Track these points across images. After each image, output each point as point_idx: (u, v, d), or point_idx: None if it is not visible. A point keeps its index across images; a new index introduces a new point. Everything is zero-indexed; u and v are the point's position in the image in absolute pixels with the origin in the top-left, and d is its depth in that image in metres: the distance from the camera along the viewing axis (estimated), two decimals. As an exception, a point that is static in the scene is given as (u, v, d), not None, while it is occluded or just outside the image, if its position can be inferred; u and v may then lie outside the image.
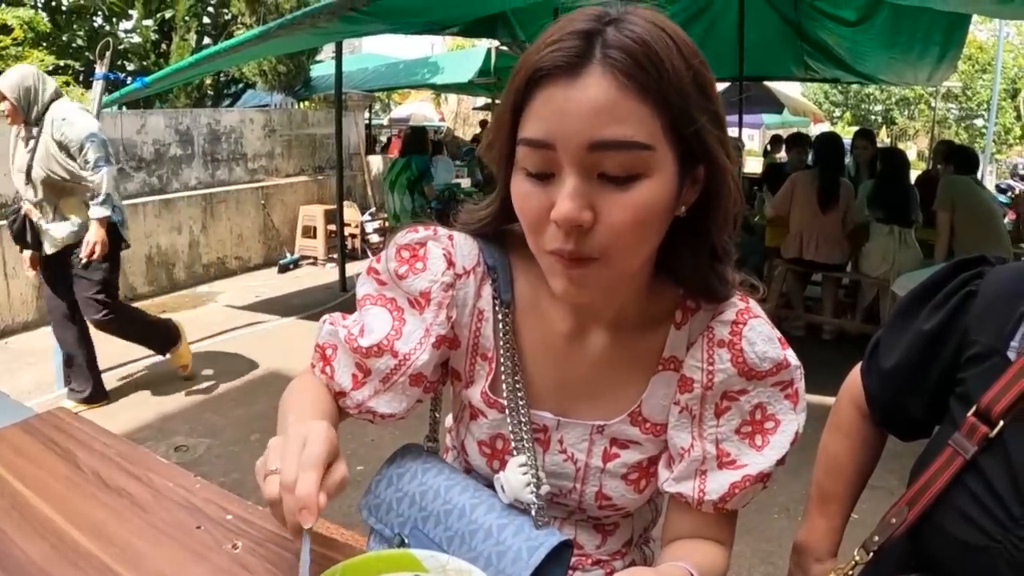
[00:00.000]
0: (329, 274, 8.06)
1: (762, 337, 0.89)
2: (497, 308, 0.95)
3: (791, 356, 0.90)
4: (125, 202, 6.99)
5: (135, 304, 6.84)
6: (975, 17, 8.39)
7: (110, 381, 4.80)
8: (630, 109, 0.73)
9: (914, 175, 6.34)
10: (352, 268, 7.55)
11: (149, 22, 10.85)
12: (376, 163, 10.74)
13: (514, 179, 0.81)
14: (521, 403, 0.95)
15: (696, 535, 0.94)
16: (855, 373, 1.19)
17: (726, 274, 0.90)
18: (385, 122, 20.70)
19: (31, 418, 1.24)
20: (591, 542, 1.06)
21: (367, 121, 12.06)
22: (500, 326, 0.95)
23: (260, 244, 8.67)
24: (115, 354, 5.30)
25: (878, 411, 1.13)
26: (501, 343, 0.95)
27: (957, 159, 5.47)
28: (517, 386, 0.95)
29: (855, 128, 14.24)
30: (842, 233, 5.42)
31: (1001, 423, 0.86)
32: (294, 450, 0.75)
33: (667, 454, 0.96)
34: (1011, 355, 0.89)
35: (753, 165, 10.38)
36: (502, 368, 0.95)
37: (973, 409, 0.89)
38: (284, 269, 8.40)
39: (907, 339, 1.05)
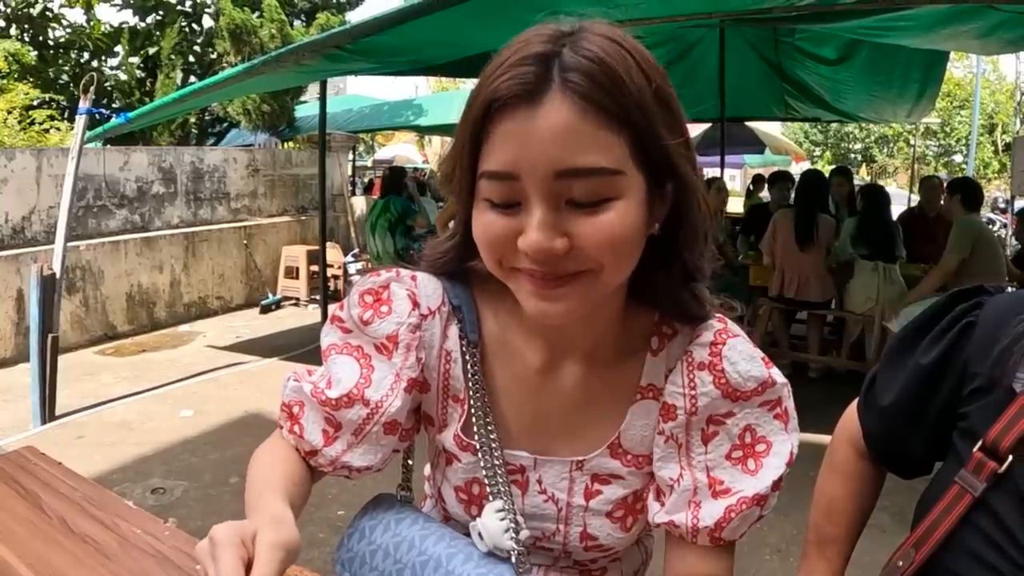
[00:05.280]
0: (311, 315, 8.00)
1: (743, 356, 0.85)
2: (464, 348, 0.92)
3: (776, 374, 0.86)
4: (106, 239, 7.00)
5: (116, 342, 6.81)
6: (952, 54, 8.54)
7: (86, 420, 4.72)
8: (594, 134, 0.70)
9: (895, 211, 6.34)
10: (334, 309, 7.49)
11: (135, 59, 10.92)
12: (359, 204, 10.75)
13: (476, 211, 0.78)
14: (494, 444, 0.91)
15: (695, 572, 0.89)
16: (851, 411, 1.16)
17: (701, 294, 0.87)
18: (369, 163, 20.84)
19: (-5, 460, 1.19)
20: None
21: (351, 162, 12.08)
22: (468, 367, 0.92)
23: (242, 284, 8.61)
24: (91, 393, 5.24)
25: (876, 449, 1.10)
26: (470, 384, 0.91)
27: (964, 190, 5.32)
28: (488, 427, 0.91)
29: (834, 166, 14.46)
30: (825, 270, 5.41)
31: (1010, 458, 0.83)
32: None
33: (656, 487, 0.91)
34: (1017, 387, 0.86)
35: (735, 205, 10.43)
36: (472, 410, 0.91)
37: (980, 444, 0.86)
38: (266, 309, 8.34)
39: (905, 374, 1.02)
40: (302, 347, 6.56)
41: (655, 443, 0.90)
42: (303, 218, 9.62)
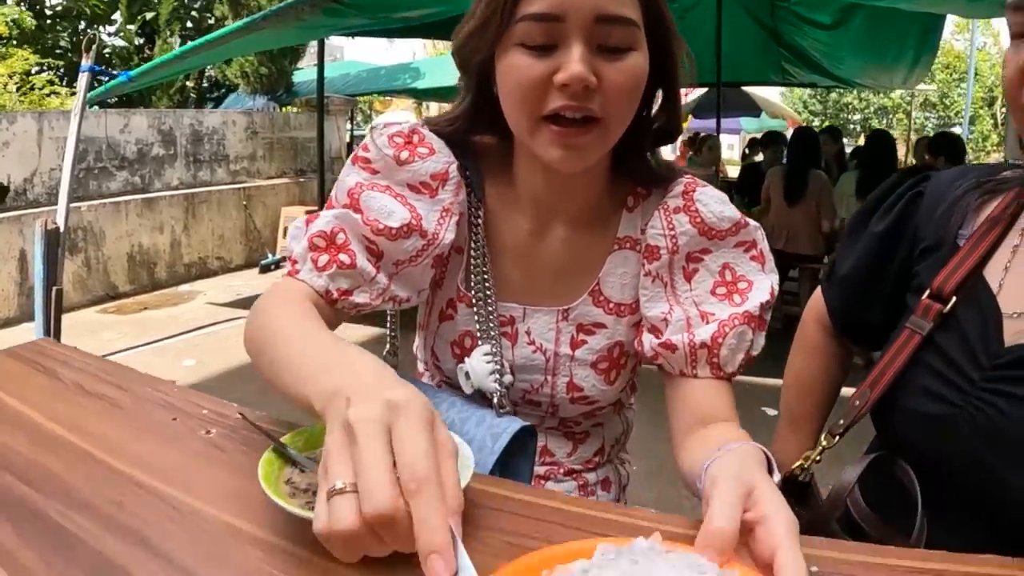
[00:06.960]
0: (310, 275, 8.04)
1: (714, 199, 0.95)
2: (471, 202, 1.00)
3: (749, 219, 0.96)
4: (107, 200, 7.06)
5: (117, 302, 6.89)
6: (953, 27, 8.52)
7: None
8: None
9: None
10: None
11: (132, 26, 10.89)
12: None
13: (507, 56, 0.86)
14: (489, 294, 0.99)
15: (704, 419, 0.91)
16: (818, 292, 1.22)
17: (671, 164, 1.00)
18: (367, 132, 20.79)
19: (14, 347, 1.27)
20: (562, 450, 1.10)
21: (349, 131, 12.05)
22: (472, 219, 1.00)
23: (241, 245, 8.69)
24: (95, 348, 5.30)
25: (839, 320, 1.16)
26: (473, 234, 1.00)
27: (947, 150, 5.30)
28: (485, 277, 0.99)
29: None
30: (817, 227, 5.44)
31: (954, 299, 0.90)
32: (379, 474, 0.52)
33: (649, 325, 0.98)
34: (960, 242, 0.94)
35: (734, 172, 10.44)
36: (472, 259, 1.00)
37: (927, 292, 0.93)
38: (265, 269, 8.42)
39: (861, 245, 1.09)
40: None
41: (642, 285, 0.98)
42: (302, 180, 9.68)
